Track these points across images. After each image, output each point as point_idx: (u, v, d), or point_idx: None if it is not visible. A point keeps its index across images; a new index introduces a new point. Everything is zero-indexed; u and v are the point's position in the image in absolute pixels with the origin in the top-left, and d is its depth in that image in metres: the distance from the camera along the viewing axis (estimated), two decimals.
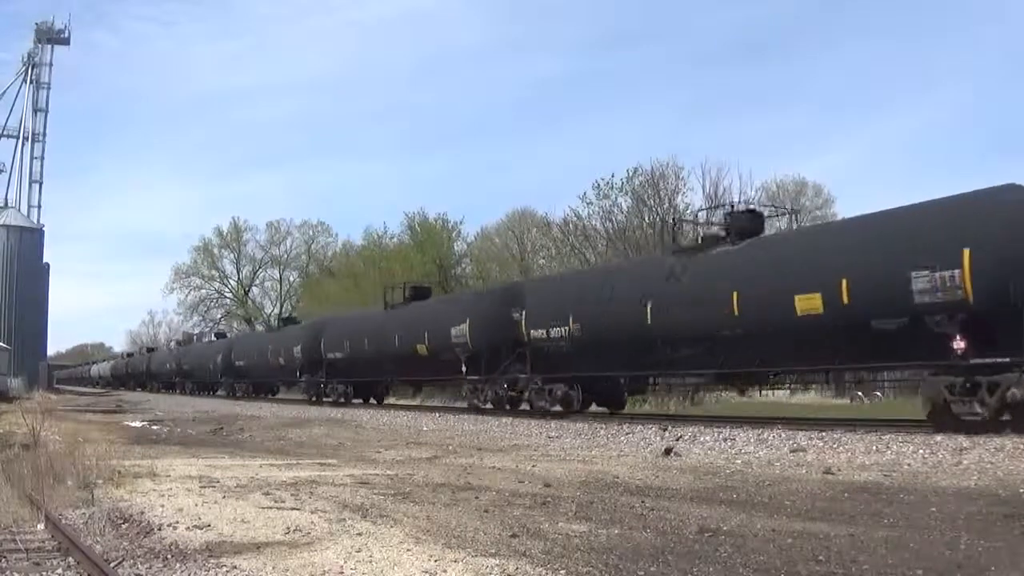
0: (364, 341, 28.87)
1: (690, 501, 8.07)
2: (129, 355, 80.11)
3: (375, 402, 31.57)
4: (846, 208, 47.33)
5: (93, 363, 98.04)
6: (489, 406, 22.35)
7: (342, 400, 30.87)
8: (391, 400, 32.90)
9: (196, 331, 68.18)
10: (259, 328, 65.93)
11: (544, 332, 19.95)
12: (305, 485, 9.34)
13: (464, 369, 22.88)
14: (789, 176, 47.36)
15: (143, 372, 63.05)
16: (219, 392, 47.35)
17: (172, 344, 67.46)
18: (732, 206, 19.76)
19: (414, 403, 32.56)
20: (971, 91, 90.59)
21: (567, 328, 19.18)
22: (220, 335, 57.78)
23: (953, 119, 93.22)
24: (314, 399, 33.54)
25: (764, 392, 26.39)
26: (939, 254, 12.46)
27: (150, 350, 71.41)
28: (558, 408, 19.55)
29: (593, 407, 20.58)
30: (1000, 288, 11.98)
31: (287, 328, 40.35)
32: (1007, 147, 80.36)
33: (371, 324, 29.38)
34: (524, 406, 21.43)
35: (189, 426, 22.80)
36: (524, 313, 20.78)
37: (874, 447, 11.60)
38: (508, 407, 21.67)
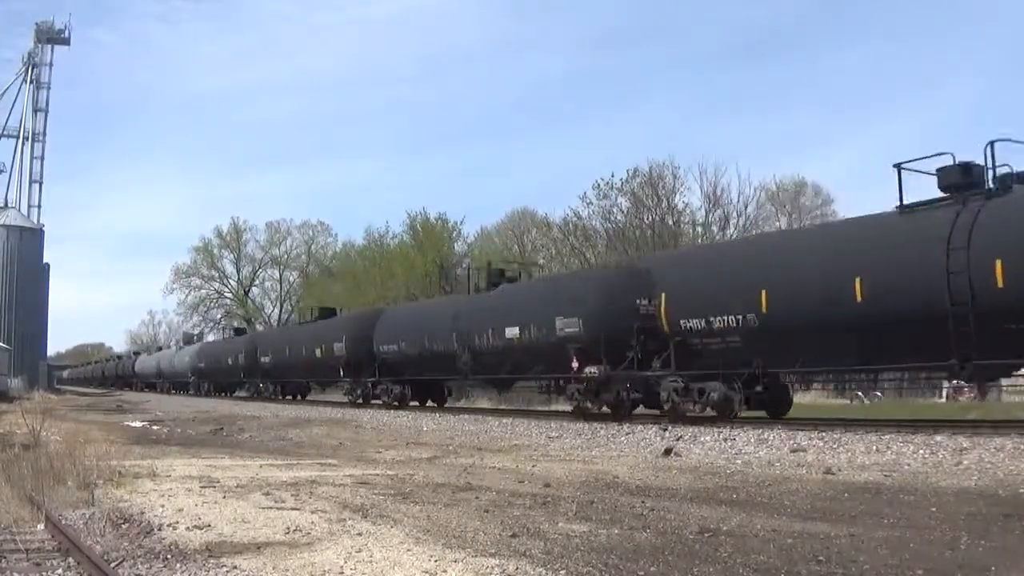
0: (433, 334, 24.78)
1: (690, 501, 8.07)
2: (136, 353, 78.78)
3: (434, 405, 28.01)
4: (846, 208, 47.25)
5: (132, 354, 79.43)
6: (606, 410, 18.76)
7: (396, 403, 27.00)
8: (460, 403, 29.54)
9: (196, 331, 68.02)
10: (259, 328, 65.70)
11: (701, 321, 16.01)
12: (305, 485, 9.34)
13: (575, 365, 19.05)
14: (788, 176, 47.46)
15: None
16: (238, 393, 43.70)
17: (178, 343, 66.21)
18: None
19: (495, 407, 28.08)
20: (973, 91, 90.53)
21: (738, 316, 15.32)
22: (240, 331, 52.95)
23: (955, 119, 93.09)
24: (360, 402, 29.47)
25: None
26: None
27: (158, 349, 70.63)
28: (708, 413, 16.11)
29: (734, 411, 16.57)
30: None
31: (328, 320, 34.77)
32: (1011, 147, 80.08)
33: (446, 313, 24.94)
34: (631, 407, 18.31)
35: (189, 426, 22.79)
36: (664, 297, 16.85)
37: (874, 447, 11.60)
38: (630, 410, 18.42)
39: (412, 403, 27.40)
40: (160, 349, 69.01)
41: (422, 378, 26.71)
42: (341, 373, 30.44)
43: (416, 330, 26.02)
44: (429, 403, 28.03)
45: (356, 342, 29.05)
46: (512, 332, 21.14)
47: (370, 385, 28.84)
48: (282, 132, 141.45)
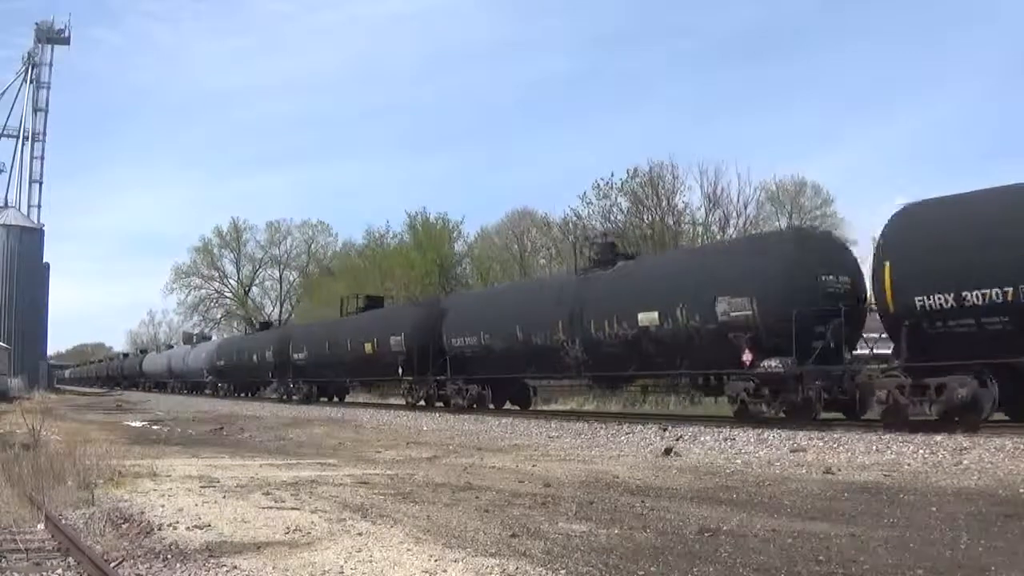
0: (529, 322, 20.85)
1: (690, 501, 8.07)
2: (143, 351, 77.55)
3: (517, 408, 23.58)
4: (847, 208, 47.24)
5: (139, 352, 76.35)
6: (782, 415, 15.16)
7: (472, 405, 22.93)
8: (554, 406, 25.68)
9: (196, 331, 67.97)
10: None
11: (946, 297, 12.30)
12: (305, 485, 9.34)
13: (748, 359, 15.14)
14: (788, 176, 47.40)
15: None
16: (262, 393, 39.83)
17: (178, 343, 65.26)
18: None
19: (616, 411, 23.93)
20: (973, 91, 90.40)
21: (1006, 288, 11.74)
22: (266, 325, 48.37)
23: (955, 119, 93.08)
24: (422, 404, 25.76)
25: None
26: None
27: (168, 347, 69.71)
28: (932, 418, 12.60)
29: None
30: None
31: (380, 310, 30.87)
32: (1010, 148, 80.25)
33: (549, 297, 20.95)
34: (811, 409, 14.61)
35: (189, 426, 22.79)
36: (889, 266, 13.07)
37: (874, 447, 11.60)
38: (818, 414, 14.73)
39: (489, 406, 23.21)
40: (171, 347, 67.90)
41: (508, 376, 22.66)
42: (400, 371, 26.30)
43: (505, 318, 21.79)
44: (508, 406, 23.80)
45: (420, 335, 25.13)
46: (648, 318, 17.23)
47: (436, 385, 24.98)
48: (282, 132, 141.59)
